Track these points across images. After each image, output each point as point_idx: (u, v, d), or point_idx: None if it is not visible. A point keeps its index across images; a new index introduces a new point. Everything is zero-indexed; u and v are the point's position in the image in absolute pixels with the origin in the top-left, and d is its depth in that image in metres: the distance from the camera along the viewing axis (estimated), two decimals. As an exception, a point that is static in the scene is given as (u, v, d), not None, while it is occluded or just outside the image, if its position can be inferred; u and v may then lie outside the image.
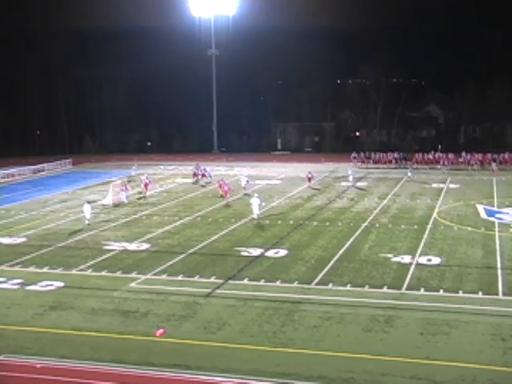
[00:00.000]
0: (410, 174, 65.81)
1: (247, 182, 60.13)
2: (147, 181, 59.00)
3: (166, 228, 42.79)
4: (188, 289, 28.81)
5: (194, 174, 67.07)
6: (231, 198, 53.41)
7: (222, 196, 54.57)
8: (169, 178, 70.69)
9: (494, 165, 72.66)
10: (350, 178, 64.23)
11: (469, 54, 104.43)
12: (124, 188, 54.74)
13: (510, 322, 24.02)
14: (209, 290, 28.49)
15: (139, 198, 55.90)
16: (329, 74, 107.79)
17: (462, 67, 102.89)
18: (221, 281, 29.88)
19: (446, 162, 74.55)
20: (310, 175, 62.74)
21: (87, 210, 44.52)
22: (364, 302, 26.53)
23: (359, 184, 63.14)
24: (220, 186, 55.48)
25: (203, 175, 65.93)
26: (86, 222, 44.31)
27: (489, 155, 75.04)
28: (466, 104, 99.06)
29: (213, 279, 30.18)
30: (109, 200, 52.88)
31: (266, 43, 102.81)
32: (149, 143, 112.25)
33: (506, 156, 75.88)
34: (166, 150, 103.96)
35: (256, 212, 45.17)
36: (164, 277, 30.88)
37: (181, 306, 26.48)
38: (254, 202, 45.20)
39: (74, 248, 37.40)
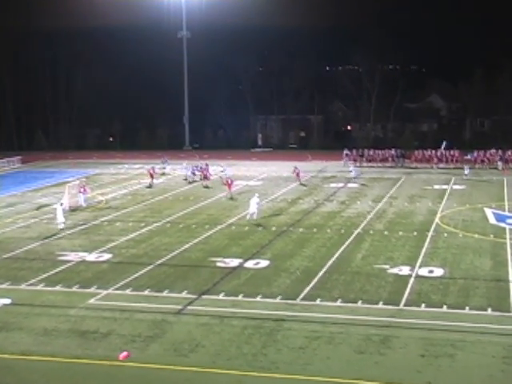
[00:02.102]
0: (466, 172, 66.62)
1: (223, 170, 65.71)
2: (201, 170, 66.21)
3: (131, 236, 42.58)
4: (156, 305, 28.66)
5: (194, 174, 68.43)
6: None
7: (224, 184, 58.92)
8: (134, 178, 70.44)
9: (499, 164, 73.19)
10: (353, 173, 65.21)
11: (475, 36, 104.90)
12: (82, 190, 54.48)
13: (522, 341, 24.16)
14: (179, 307, 28.37)
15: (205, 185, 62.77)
16: (316, 60, 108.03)
17: (468, 52, 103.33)
18: (193, 296, 29.77)
19: (447, 160, 75.31)
20: (297, 170, 63.95)
21: (60, 213, 44.37)
22: (357, 319, 26.53)
23: (351, 185, 63.31)
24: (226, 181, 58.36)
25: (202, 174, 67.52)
26: (62, 226, 44.19)
27: (499, 152, 75.44)
28: (472, 93, 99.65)
29: (184, 294, 30.06)
30: (64, 204, 52.51)
31: (245, 24, 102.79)
32: (111, 138, 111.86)
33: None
34: (131, 147, 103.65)
35: (251, 211, 46.57)
36: (128, 292, 30.70)
37: (147, 325, 26.34)
38: (253, 201, 46.93)
39: (24, 259, 37.07)
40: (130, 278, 32.75)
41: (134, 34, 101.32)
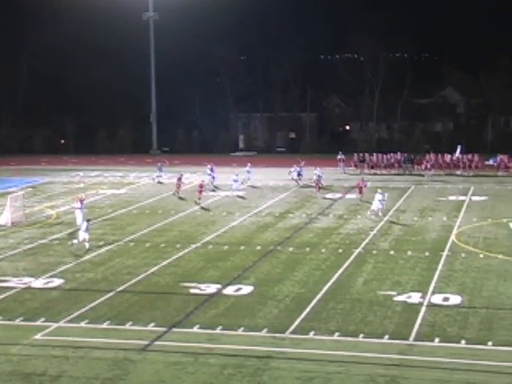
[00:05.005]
0: None
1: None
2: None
3: (87, 257, 42.40)
4: (117, 341, 28.52)
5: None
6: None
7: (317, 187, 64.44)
8: (91, 188, 70.21)
9: None
10: (235, 185, 65.95)
11: (498, 17, 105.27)
12: (80, 202, 52.79)
13: (557, 383, 24.16)
14: (146, 342, 28.24)
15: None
16: (309, 47, 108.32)
17: (490, 36, 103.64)
18: (162, 329, 29.66)
19: (466, 166, 75.74)
20: (363, 183, 63.05)
21: (83, 229, 44.24)
22: (358, 356, 26.49)
23: (350, 196, 63.41)
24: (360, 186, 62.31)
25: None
26: (77, 242, 43.98)
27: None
28: (495, 86, 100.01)
29: (151, 327, 29.95)
30: (5, 219, 52.30)
31: (223, 4, 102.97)
32: (62, 141, 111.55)
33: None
34: (87, 150, 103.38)
35: (374, 207, 52.85)
36: (83, 324, 30.53)
37: (106, 365, 26.17)
38: (376, 197, 52.96)
39: (-44, 286, 36.90)
40: (85, 308, 32.55)
41: (90, 14, 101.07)
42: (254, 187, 68.88)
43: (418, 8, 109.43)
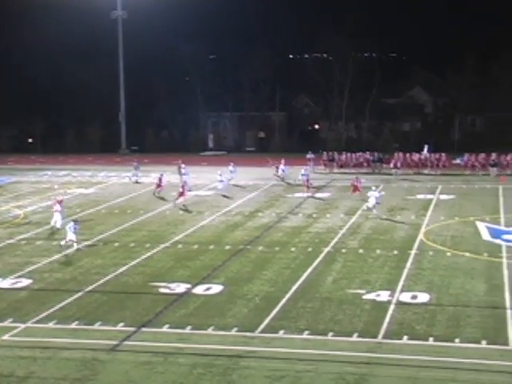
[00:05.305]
0: None
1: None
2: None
3: (55, 257, 42.17)
4: (85, 341, 28.39)
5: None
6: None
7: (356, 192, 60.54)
8: (59, 187, 69.83)
9: (493, 170, 73.93)
10: (220, 185, 65.50)
11: (466, 18, 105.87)
12: (59, 204, 51.76)
13: (523, 379, 24.33)
14: (115, 342, 28.14)
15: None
16: (278, 46, 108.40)
17: (457, 36, 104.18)
18: (131, 329, 29.56)
19: (434, 165, 76.09)
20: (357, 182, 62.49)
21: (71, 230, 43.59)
22: (327, 355, 26.53)
23: (319, 195, 63.51)
24: (354, 185, 61.37)
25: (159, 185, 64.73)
26: (75, 245, 43.31)
27: (492, 156, 75.97)
28: (462, 86, 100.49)
29: (120, 327, 29.84)
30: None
31: (193, 2, 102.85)
32: (30, 140, 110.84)
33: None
34: (55, 150, 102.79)
35: (370, 204, 52.98)
36: (51, 325, 30.35)
37: (75, 366, 26.04)
38: (372, 194, 53.30)
39: None
40: (53, 309, 32.37)
41: (58, 13, 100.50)
42: (238, 186, 68.69)
43: (386, 8, 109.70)
